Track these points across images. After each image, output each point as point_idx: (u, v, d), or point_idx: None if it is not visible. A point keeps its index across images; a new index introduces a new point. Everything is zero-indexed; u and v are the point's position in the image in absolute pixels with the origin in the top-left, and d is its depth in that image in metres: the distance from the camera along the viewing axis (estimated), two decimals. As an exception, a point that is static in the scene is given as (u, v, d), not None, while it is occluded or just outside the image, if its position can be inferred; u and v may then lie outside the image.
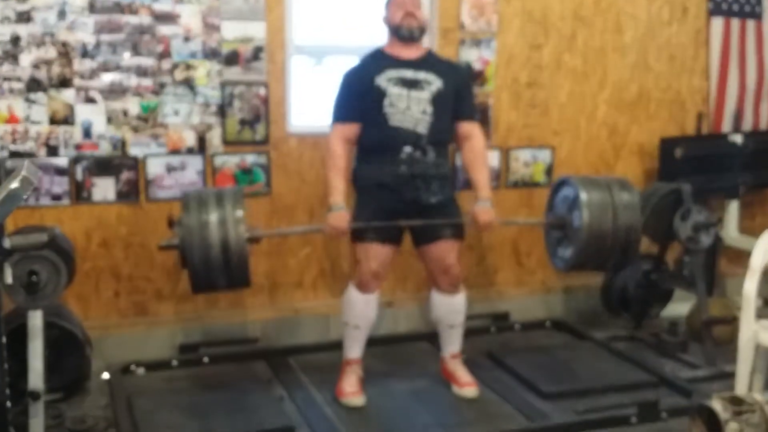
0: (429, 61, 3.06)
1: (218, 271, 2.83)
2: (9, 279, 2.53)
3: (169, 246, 2.91)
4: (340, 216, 2.95)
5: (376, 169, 2.99)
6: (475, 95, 3.35)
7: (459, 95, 3.06)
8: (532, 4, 3.89)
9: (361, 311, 3.09)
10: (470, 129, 3.10)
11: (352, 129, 2.99)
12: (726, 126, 4.36)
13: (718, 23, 4.26)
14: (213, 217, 2.83)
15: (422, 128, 2.96)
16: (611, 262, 3.15)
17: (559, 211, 3.22)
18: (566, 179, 3.25)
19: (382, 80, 2.95)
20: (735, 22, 4.30)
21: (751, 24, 4.34)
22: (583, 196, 3.05)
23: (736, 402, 2.21)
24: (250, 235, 2.90)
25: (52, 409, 2.83)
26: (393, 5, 3.03)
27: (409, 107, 2.95)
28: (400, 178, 2.96)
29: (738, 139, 4.16)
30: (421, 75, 2.98)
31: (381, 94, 2.94)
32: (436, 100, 2.98)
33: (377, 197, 3.00)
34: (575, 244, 3.09)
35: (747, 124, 4.41)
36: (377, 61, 3.04)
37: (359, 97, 2.98)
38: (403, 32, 2.98)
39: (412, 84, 2.96)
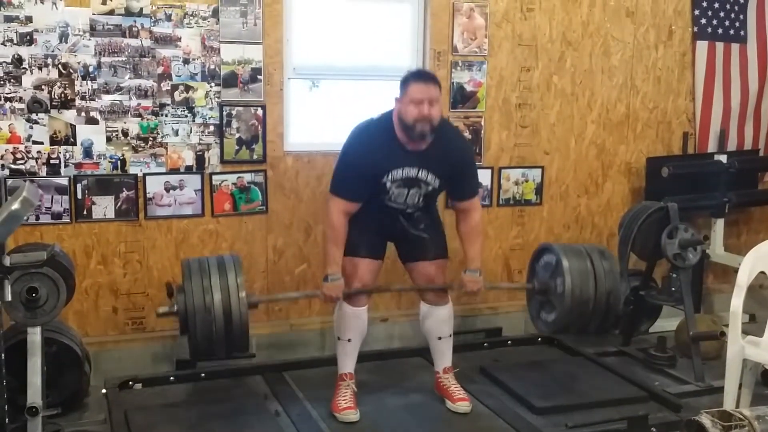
0: (432, 154, 2.99)
1: (219, 339, 2.90)
2: (8, 296, 2.59)
3: (168, 313, 2.97)
4: (336, 287, 3.06)
5: (366, 218, 3.10)
6: (475, 164, 3.26)
7: (459, 180, 3.10)
8: (521, 28, 4.00)
9: (352, 325, 3.15)
10: (470, 205, 3.15)
11: (353, 207, 3.07)
12: (711, 146, 4.45)
13: (702, 47, 4.38)
14: (214, 283, 2.91)
15: (413, 208, 3.13)
16: (593, 326, 3.27)
17: (541, 277, 3.36)
18: (548, 246, 3.37)
19: (389, 181, 3.02)
20: (719, 46, 4.41)
21: (735, 48, 4.45)
22: (565, 263, 3.19)
23: (724, 417, 2.24)
24: (250, 301, 2.99)
25: (51, 425, 2.83)
26: (409, 97, 2.90)
27: (406, 201, 3.10)
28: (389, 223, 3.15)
29: (723, 158, 4.26)
30: (422, 174, 3.02)
31: (385, 189, 3.05)
32: (430, 194, 3.12)
33: (365, 222, 3.11)
34: (559, 309, 3.22)
35: (732, 144, 4.50)
36: (387, 150, 2.98)
37: (364, 183, 3.03)
38: (414, 135, 2.93)
39: (412, 183, 3.05)
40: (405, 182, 3.03)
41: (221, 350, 2.94)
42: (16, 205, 2.40)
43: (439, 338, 3.27)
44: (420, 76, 2.98)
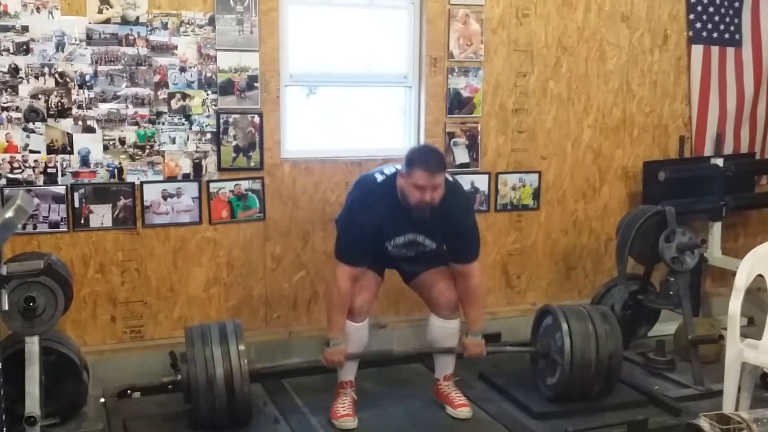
0: (434, 218, 3.00)
1: (222, 408, 2.95)
2: (6, 305, 2.58)
3: (172, 383, 3.02)
4: (339, 351, 3.09)
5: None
6: (475, 229, 3.19)
7: (458, 244, 3.14)
8: (517, 33, 4.01)
9: (353, 338, 3.16)
10: (468, 270, 3.16)
11: (359, 271, 3.09)
12: (708, 149, 4.46)
13: (698, 51, 4.38)
14: (216, 352, 2.96)
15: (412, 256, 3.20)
16: (596, 389, 3.27)
17: (543, 340, 3.37)
18: (549, 309, 3.36)
19: (390, 245, 3.10)
20: (715, 50, 4.41)
21: (730, 51, 4.46)
22: (566, 326, 3.20)
23: (723, 420, 2.24)
24: (252, 369, 3.02)
25: (49, 435, 2.84)
26: (413, 181, 2.90)
27: (405, 255, 3.18)
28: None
29: (720, 162, 4.27)
30: (420, 238, 3.10)
31: (386, 252, 3.13)
32: (426, 254, 3.18)
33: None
34: (561, 373, 3.21)
35: (728, 148, 4.51)
36: (391, 216, 3.01)
37: (368, 247, 3.07)
38: (413, 215, 2.99)
39: (411, 245, 3.13)
40: (405, 245, 3.12)
41: (223, 420, 3.00)
42: (9, 213, 2.40)
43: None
44: (427, 164, 2.89)
